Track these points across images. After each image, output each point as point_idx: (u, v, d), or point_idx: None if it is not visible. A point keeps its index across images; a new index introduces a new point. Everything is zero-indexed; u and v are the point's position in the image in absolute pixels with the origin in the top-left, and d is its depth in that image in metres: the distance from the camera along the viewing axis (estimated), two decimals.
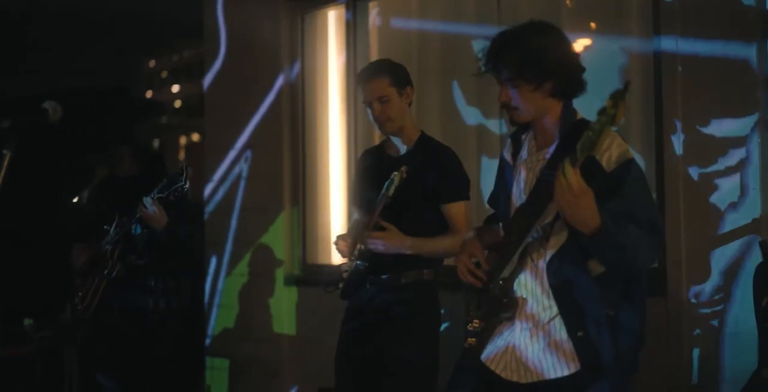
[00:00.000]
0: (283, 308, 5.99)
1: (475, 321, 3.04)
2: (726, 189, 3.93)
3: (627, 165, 2.80)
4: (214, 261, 6.40)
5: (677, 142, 4.06)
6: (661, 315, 4.08)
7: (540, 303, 2.92)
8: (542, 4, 4.85)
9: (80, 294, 4.65)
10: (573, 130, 2.87)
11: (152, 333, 4.65)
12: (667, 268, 4.11)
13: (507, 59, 2.89)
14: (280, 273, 6.01)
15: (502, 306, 2.96)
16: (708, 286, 3.97)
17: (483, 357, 3.04)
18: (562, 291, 2.87)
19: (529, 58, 2.86)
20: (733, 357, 3.89)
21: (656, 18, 4.23)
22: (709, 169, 3.98)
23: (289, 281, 5.97)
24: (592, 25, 4.73)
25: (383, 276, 3.89)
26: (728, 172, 3.93)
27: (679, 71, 4.08)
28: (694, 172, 4.02)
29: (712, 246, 3.95)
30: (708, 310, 3.96)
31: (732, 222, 3.91)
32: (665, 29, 4.15)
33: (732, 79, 3.95)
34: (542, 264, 2.90)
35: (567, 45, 2.98)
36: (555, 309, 2.89)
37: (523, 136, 3.13)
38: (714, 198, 3.96)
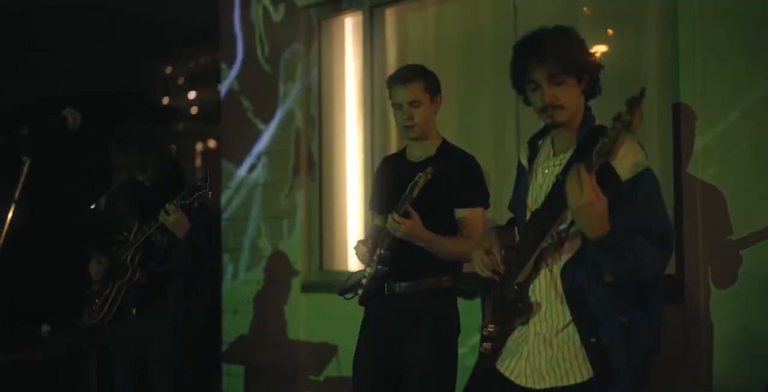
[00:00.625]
0: (299, 314, 5.99)
1: (490, 325, 3.05)
2: (744, 194, 3.91)
3: (642, 174, 2.80)
4: (231, 268, 6.41)
5: (695, 146, 4.05)
6: (679, 322, 4.07)
7: (554, 309, 2.92)
8: (559, 10, 4.85)
9: (98, 301, 4.65)
10: (591, 135, 2.87)
11: (170, 340, 4.65)
12: (684, 275, 4.09)
13: (549, 57, 2.90)
14: (296, 280, 6.01)
15: (517, 312, 2.97)
16: (726, 294, 3.95)
17: (498, 362, 3.04)
18: (575, 297, 2.86)
19: (570, 53, 2.90)
20: (751, 364, 3.87)
21: (675, 23, 4.22)
22: (727, 174, 3.96)
23: (306, 287, 5.97)
24: (609, 31, 4.72)
25: (402, 283, 3.89)
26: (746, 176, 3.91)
27: (698, 76, 4.06)
28: (712, 177, 4.00)
29: (730, 253, 3.93)
30: (726, 317, 3.94)
31: (750, 227, 3.89)
32: (684, 35, 4.14)
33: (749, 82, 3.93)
34: (557, 269, 2.90)
35: (586, 45, 3.03)
36: (569, 316, 2.88)
37: (540, 142, 3.13)
38: (732, 204, 3.94)
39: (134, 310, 4.63)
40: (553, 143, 3.06)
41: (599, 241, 2.66)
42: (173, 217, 4.35)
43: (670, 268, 4.27)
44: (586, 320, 2.84)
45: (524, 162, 3.17)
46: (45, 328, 5.46)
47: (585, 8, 4.78)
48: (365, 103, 5.75)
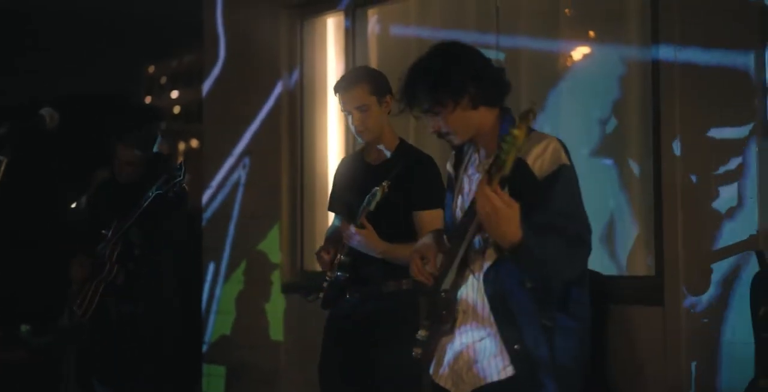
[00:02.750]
0: (280, 315, 5.98)
1: (422, 330, 3.03)
2: (724, 198, 3.93)
3: (558, 171, 2.77)
4: (212, 267, 6.39)
5: (675, 150, 4.06)
6: (659, 325, 4.08)
7: (480, 315, 2.90)
8: (540, 12, 4.86)
9: (79, 299, 4.64)
10: None
11: (148, 339, 4.64)
12: (664, 279, 4.10)
13: (417, 93, 2.91)
14: (277, 280, 6.00)
15: (442, 318, 2.95)
16: (705, 296, 3.96)
17: (431, 369, 3.04)
18: (497, 302, 2.84)
19: (434, 83, 2.88)
20: (730, 367, 3.88)
21: (655, 26, 4.24)
22: (707, 178, 3.98)
23: (287, 288, 5.96)
24: (591, 33, 4.73)
25: (363, 288, 3.88)
26: (726, 180, 3.93)
27: (677, 79, 4.08)
28: (691, 181, 4.02)
29: (710, 256, 3.95)
30: (705, 320, 3.96)
31: (730, 231, 3.91)
32: (664, 37, 4.16)
33: (730, 87, 3.95)
34: (480, 275, 2.89)
35: (472, 55, 2.98)
36: (493, 321, 2.87)
37: (465, 147, 3.11)
38: (712, 208, 3.96)
39: (113, 309, 4.62)
40: (478, 150, 3.04)
41: (513, 249, 2.63)
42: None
43: (649, 270, 4.31)
44: (509, 326, 2.83)
45: (450, 169, 3.15)
46: (24, 328, 5.43)
47: (567, 10, 4.78)
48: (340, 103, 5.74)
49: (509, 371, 2.82)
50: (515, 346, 2.81)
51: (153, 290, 4.65)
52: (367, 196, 3.69)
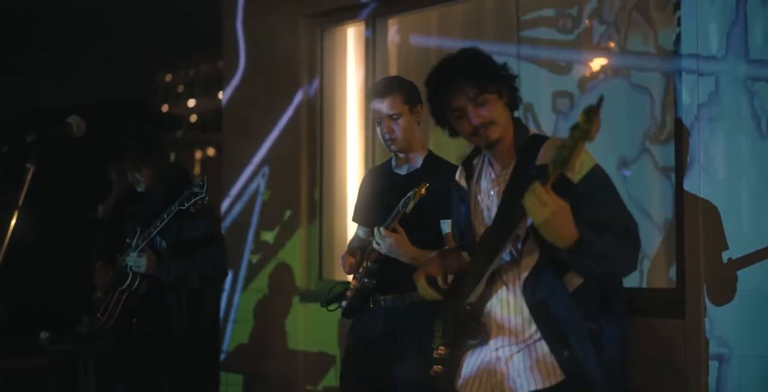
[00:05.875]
0: (299, 324, 5.98)
1: (441, 348, 3.01)
2: (747, 210, 3.91)
3: (593, 171, 2.76)
4: (230, 275, 6.40)
5: (697, 163, 4.05)
6: (679, 337, 4.06)
7: (516, 325, 2.88)
8: (560, 22, 4.86)
9: (101, 307, 4.64)
10: (529, 146, 2.89)
11: (169, 348, 4.64)
12: (686, 291, 4.09)
13: (464, 81, 2.89)
14: (296, 289, 6.00)
15: (470, 332, 2.93)
16: (726, 309, 3.94)
17: (458, 386, 3.00)
18: (540, 311, 2.82)
19: (486, 69, 2.90)
20: (751, 381, 3.86)
21: (678, 36, 4.22)
22: (729, 190, 3.96)
23: (305, 297, 5.96)
24: (611, 43, 4.73)
25: (388, 297, 3.88)
26: (749, 192, 3.91)
27: (701, 90, 4.06)
28: (713, 192, 4.00)
29: (732, 268, 3.93)
30: (726, 333, 3.94)
31: (751, 243, 3.89)
32: (686, 47, 4.14)
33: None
34: (517, 286, 2.87)
35: (494, 59, 3.01)
36: (533, 330, 2.85)
37: (475, 162, 3.10)
38: (733, 220, 3.94)
39: (134, 320, 4.62)
40: (491, 163, 3.03)
41: (571, 249, 2.61)
42: (139, 259, 4.42)
43: (670, 283, 4.29)
44: (555, 333, 2.81)
45: (462, 182, 3.12)
46: (44, 335, 5.43)
47: (587, 21, 4.78)
48: (367, 113, 5.75)
49: (558, 376, 2.79)
50: (564, 353, 2.78)
51: (175, 301, 4.64)
52: (402, 199, 3.69)
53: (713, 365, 3.97)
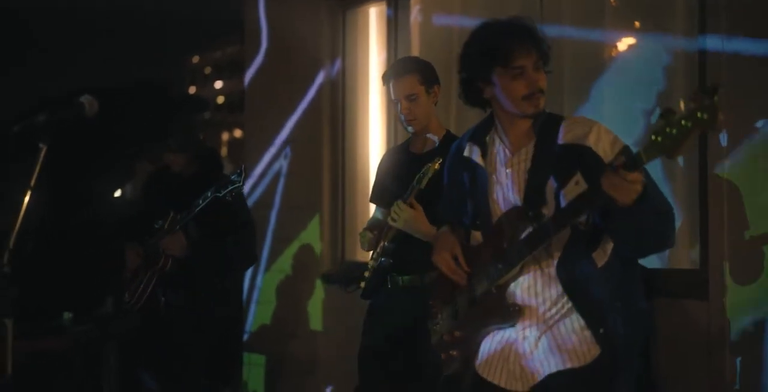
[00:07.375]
0: (320, 305, 5.98)
1: (455, 332, 2.98)
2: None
3: (624, 152, 2.69)
4: None
5: (721, 142, 4.00)
6: (703, 320, 4.03)
7: (548, 306, 2.86)
8: (586, 1, 4.80)
9: (130, 288, 4.66)
10: (548, 125, 2.86)
11: (195, 329, 4.65)
12: (709, 272, 4.04)
13: (537, 40, 2.87)
14: (317, 270, 6.00)
15: (506, 315, 2.88)
16: (750, 291, 3.90)
17: (479, 368, 2.97)
18: (575, 288, 2.80)
19: (545, 42, 2.90)
20: None
21: (702, 16, 4.17)
22: (754, 169, 3.91)
23: (327, 278, 5.96)
24: (636, 23, 4.67)
25: (405, 277, 3.86)
26: None
27: (724, 70, 4.01)
28: (737, 172, 3.95)
29: (756, 249, 3.88)
30: (750, 316, 3.90)
31: None
32: (711, 28, 4.09)
33: None
34: (552, 267, 2.84)
35: None
36: (565, 310, 2.83)
37: (488, 139, 3.04)
38: (758, 200, 3.89)
39: (163, 299, 4.64)
40: (504, 140, 2.97)
41: (636, 200, 2.50)
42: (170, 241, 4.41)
43: (693, 263, 4.25)
44: (593, 310, 2.79)
45: (479, 160, 3.03)
46: (67, 316, 5.46)
47: (612, 0, 4.73)
48: (389, 93, 5.71)
49: (591, 356, 2.78)
50: (600, 330, 2.77)
51: (204, 281, 4.65)
52: (417, 175, 3.68)
53: (738, 347, 3.93)
